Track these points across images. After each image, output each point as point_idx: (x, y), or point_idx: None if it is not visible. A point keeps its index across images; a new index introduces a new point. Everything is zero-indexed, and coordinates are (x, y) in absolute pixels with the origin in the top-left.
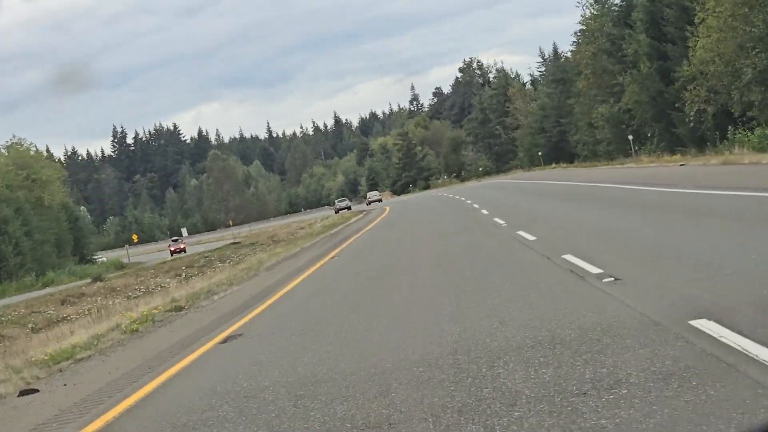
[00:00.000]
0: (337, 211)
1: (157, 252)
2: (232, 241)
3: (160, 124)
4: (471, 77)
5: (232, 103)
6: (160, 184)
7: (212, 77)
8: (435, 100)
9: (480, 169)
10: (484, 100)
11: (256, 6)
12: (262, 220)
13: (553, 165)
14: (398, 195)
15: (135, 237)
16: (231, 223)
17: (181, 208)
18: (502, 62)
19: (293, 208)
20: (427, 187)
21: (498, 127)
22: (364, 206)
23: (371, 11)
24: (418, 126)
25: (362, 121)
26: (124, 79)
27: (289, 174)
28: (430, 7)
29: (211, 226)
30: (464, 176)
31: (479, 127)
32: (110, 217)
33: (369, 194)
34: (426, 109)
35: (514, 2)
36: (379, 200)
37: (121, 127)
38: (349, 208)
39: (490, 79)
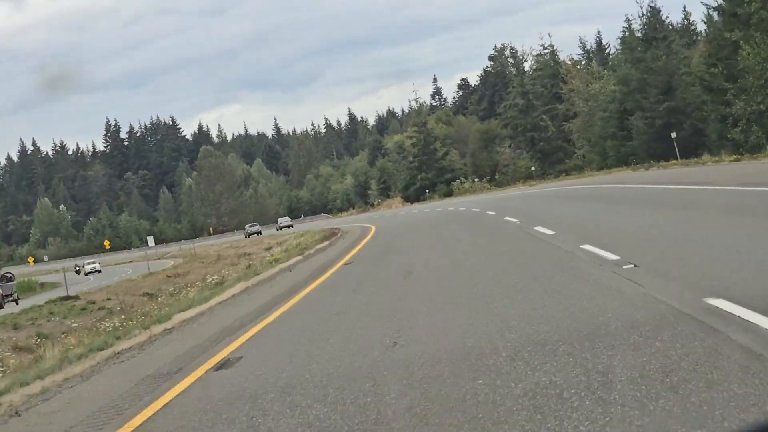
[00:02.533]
0: (247, 236)
1: (116, 266)
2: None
3: (157, 117)
4: (503, 66)
5: (251, 105)
6: (155, 182)
7: (231, 79)
8: (460, 93)
9: (522, 170)
10: (526, 83)
11: (277, 9)
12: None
13: (652, 164)
14: (410, 203)
15: (107, 243)
16: (212, 230)
17: (176, 210)
18: (549, 36)
19: (294, 214)
20: (449, 194)
21: (544, 117)
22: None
23: (393, 16)
24: (439, 121)
25: (379, 119)
26: (144, 79)
27: (291, 174)
28: (453, 14)
29: (198, 233)
30: (499, 180)
31: (519, 117)
32: (91, 219)
33: (280, 220)
34: (449, 105)
35: (539, 10)
36: (290, 226)
37: (115, 120)
38: (259, 233)
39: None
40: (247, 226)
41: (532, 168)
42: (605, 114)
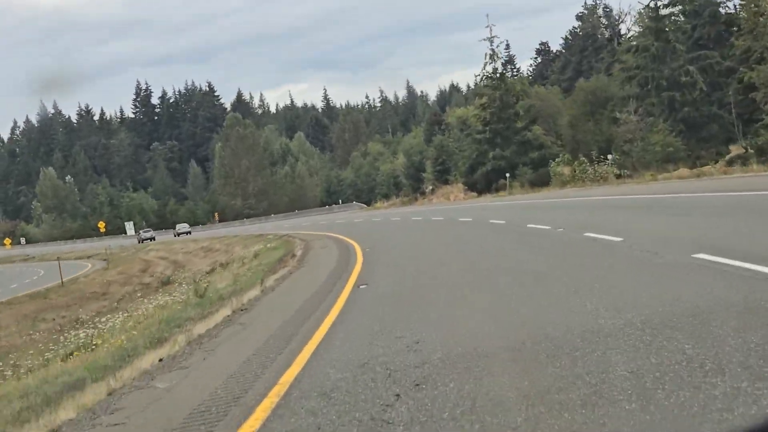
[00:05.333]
0: (140, 241)
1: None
2: None
3: (193, 83)
4: (594, 29)
5: (315, 84)
6: (186, 155)
7: (294, 60)
8: (539, 60)
9: (656, 148)
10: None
11: None
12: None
13: None
14: (476, 193)
15: (102, 225)
16: (217, 217)
17: (206, 188)
18: None
19: (333, 198)
20: (540, 182)
21: (691, 68)
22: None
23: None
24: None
25: (441, 94)
26: (206, 56)
27: (335, 151)
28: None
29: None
30: (619, 161)
31: (652, 66)
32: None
33: (178, 226)
34: (526, 75)
35: None
36: (188, 233)
37: (146, 84)
38: (153, 238)
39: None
40: (141, 231)
41: (670, 148)
42: None
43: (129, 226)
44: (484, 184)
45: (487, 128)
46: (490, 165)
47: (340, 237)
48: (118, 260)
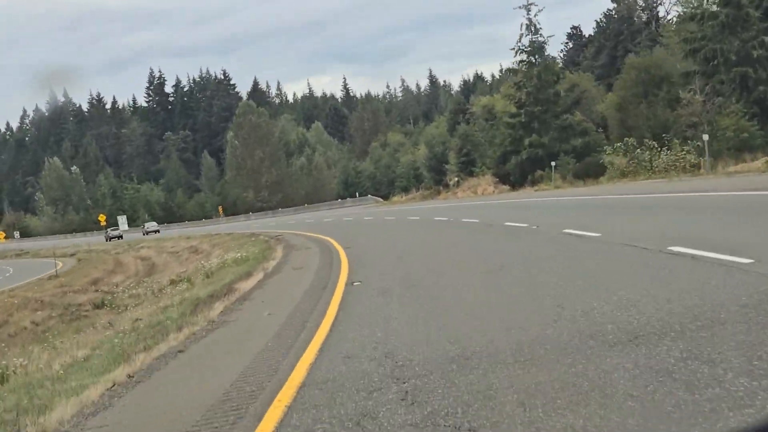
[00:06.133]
0: (108, 239)
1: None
2: None
3: (207, 70)
4: (630, 12)
5: (338, 77)
6: (200, 146)
7: (318, 52)
8: (570, 45)
9: (728, 133)
10: None
11: None
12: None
13: None
14: (509, 186)
15: (102, 218)
16: (221, 211)
17: (219, 178)
18: None
19: (350, 191)
20: (589, 173)
21: (767, 40)
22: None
23: None
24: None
25: (464, 84)
26: (230, 47)
27: (354, 141)
28: None
29: (227, 210)
30: (701, 146)
31: (720, 36)
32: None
33: (147, 224)
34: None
35: None
36: (157, 231)
37: (159, 72)
38: (120, 237)
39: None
40: (108, 230)
41: (744, 134)
42: None
43: (122, 221)
44: (518, 175)
45: (522, 111)
46: (526, 153)
47: (335, 246)
48: (90, 261)
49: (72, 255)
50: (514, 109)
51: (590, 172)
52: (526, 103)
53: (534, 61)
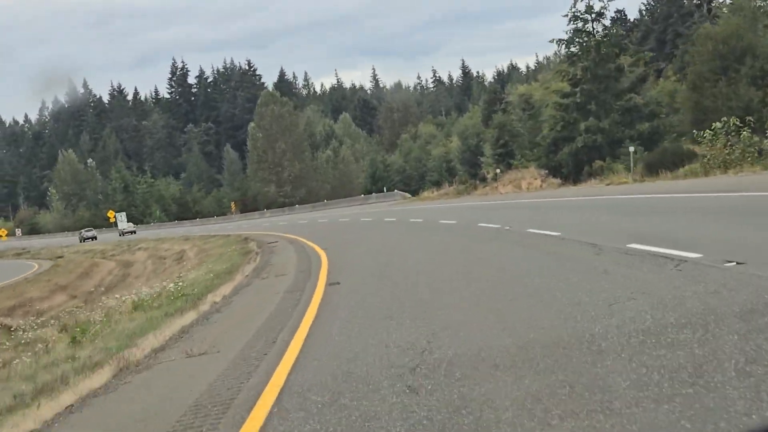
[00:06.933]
0: (82, 240)
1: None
2: None
3: (232, 61)
4: None
5: (367, 72)
6: (223, 138)
7: (348, 47)
8: (613, 30)
9: None
10: None
11: None
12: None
13: None
14: (562, 180)
15: (111, 214)
16: (234, 207)
17: (242, 173)
18: None
19: (378, 186)
20: (666, 164)
21: None
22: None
23: None
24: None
25: (498, 75)
26: (261, 41)
27: (382, 133)
28: None
29: (247, 206)
30: None
31: None
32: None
33: (123, 225)
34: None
35: None
36: (133, 232)
37: (182, 63)
38: (94, 238)
39: None
40: (83, 231)
41: None
42: None
43: (120, 218)
44: (572, 166)
45: (578, 90)
46: (581, 140)
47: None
48: (66, 265)
49: (59, 257)
50: (567, 87)
51: (666, 162)
52: (582, 80)
53: (592, 30)
